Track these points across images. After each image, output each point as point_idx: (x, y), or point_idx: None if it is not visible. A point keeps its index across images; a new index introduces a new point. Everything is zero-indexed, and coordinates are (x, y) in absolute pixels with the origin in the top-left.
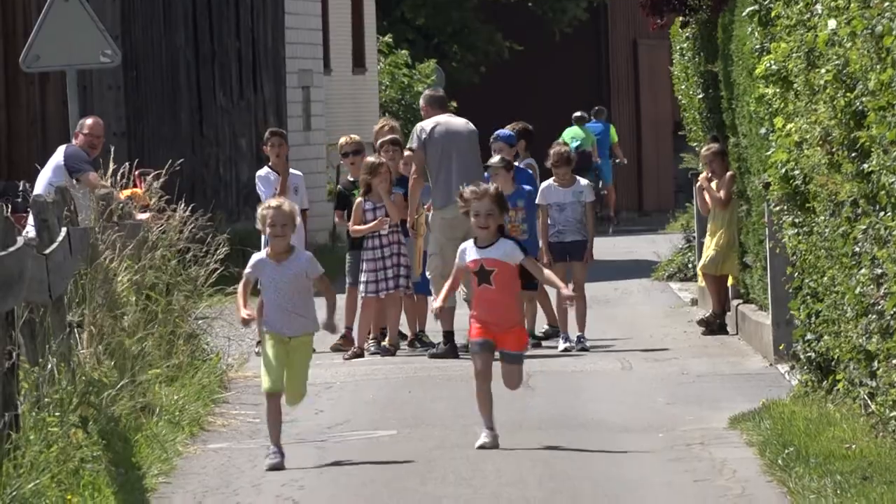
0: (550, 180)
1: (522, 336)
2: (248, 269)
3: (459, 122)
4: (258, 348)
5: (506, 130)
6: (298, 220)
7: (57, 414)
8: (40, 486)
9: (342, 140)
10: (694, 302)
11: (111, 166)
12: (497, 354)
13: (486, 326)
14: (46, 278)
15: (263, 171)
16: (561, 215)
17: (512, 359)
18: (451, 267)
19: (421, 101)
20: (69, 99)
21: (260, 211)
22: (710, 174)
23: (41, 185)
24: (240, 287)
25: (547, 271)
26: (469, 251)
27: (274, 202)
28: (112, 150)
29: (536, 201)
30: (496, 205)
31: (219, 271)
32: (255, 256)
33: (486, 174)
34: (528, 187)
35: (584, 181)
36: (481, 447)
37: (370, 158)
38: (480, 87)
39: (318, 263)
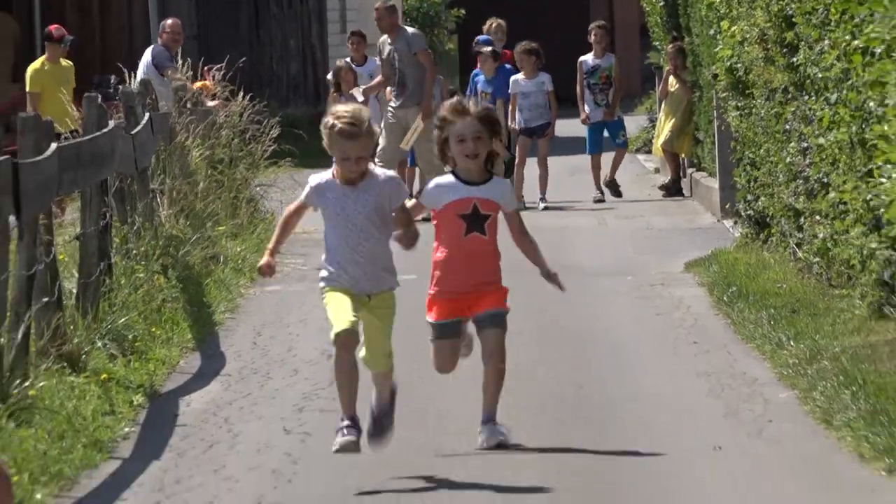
0: (519, 74)
1: (503, 292)
2: (304, 194)
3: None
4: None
5: (485, 35)
6: (378, 129)
7: (142, 263)
8: (130, 320)
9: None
10: (656, 170)
11: (186, 64)
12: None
13: (458, 296)
14: (133, 154)
15: (342, 62)
16: (525, 101)
17: (497, 320)
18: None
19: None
20: (150, 8)
21: (326, 119)
22: (672, 67)
23: (137, 78)
24: (284, 213)
25: (534, 243)
26: (451, 188)
27: (341, 107)
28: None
29: (509, 91)
30: (485, 126)
31: (272, 147)
32: (316, 178)
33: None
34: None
35: (545, 74)
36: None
37: (338, 62)
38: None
39: (405, 186)
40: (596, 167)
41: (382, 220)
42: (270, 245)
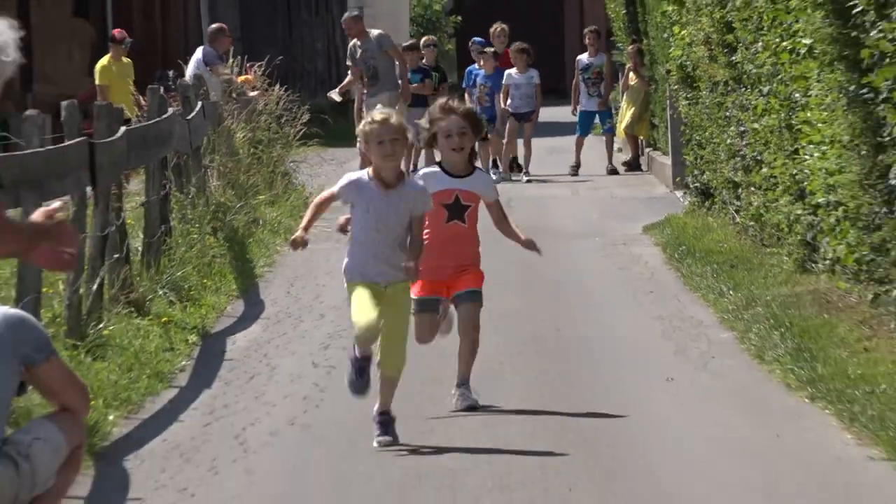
0: (513, 69)
1: (480, 274)
2: (338, 186)
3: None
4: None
5: (479, 38)
6: (410, 135)
7: (196, 226)
8: (185, 273)
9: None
10: (619, 150)
11: (234, 60)
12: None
13: (438, 276)
14: (188, 135)
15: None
16: (517, 92)
17: (473, 296)
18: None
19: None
20: (202, 14)
21: (361, 127)
22: (632, 64)
23: (188, 74)
24: (316, 199)
25: (511, 225)
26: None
27: (379, 114)
28: (231, 49)
29: (503, 82)
30: (469, 122)
31: (302, 130)
32: (352, 175)
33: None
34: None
35: (534, 70)
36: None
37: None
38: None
39: (429, 197)
40: (579, 146)
41: (405, 224)
42: (303, 223)
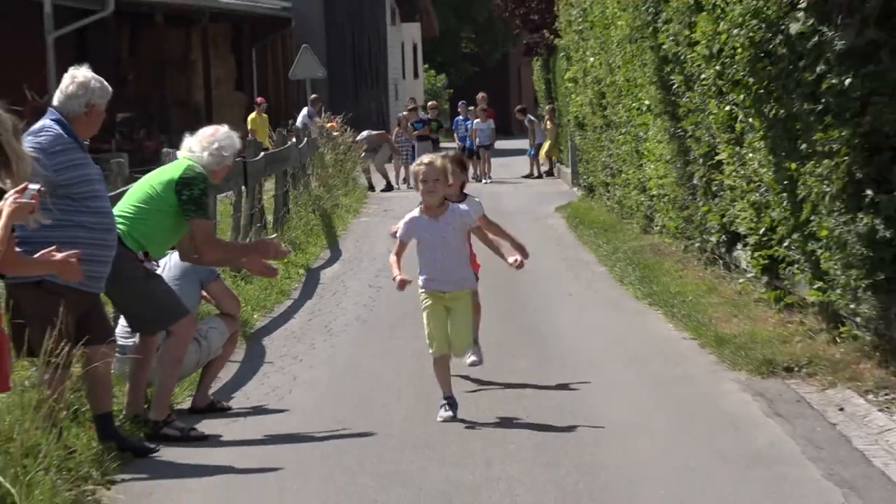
0: (478, 119)
1: (473, 292)
2: (400, 231)
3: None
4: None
5: (464, 101)
6: (451, 177)
7: (303, 208)
8: (297, 235)
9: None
10: (543, 165)
11: (324, 114)
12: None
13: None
14: (299, 157)
15: (401, 114)
16: (482, 134)
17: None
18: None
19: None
20: (306, 90)
21: (413, 167)
22: (549, 116)
23: (299, 122)
24: (393, 252)
25: (493, 237)
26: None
27: (426, 159)
28: (322, 108)
29: (472, 127)
30: (442, 172)
31: (363, 153)
32: (408, 216)
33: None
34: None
35: (491, 120)
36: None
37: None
38: (463, 87)
39: (476, 208)
40: (532, 163)
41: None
42: (394, 268)
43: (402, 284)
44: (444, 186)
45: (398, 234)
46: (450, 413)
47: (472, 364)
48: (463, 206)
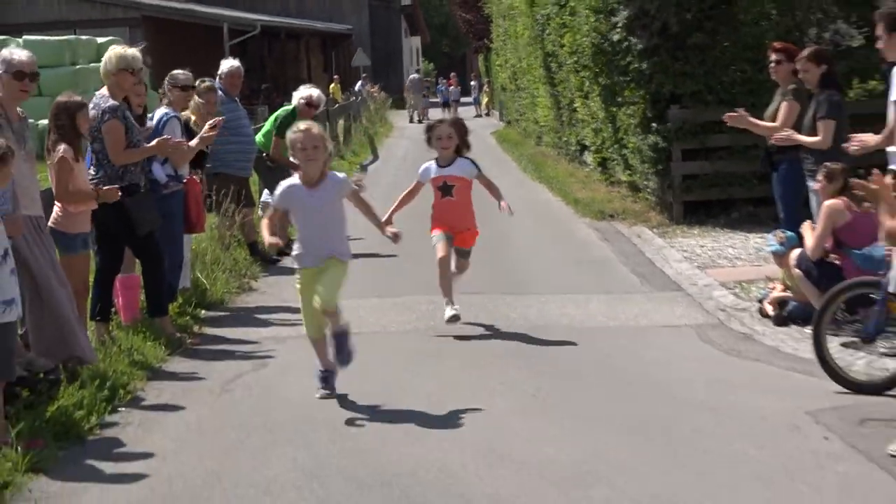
0: (451, 86)
1: (472, 236)
2: (275, 200)
3: None
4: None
5: (442, 77)
6: (330, 145)
7: (358, 132)
8: (355, 147)
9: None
10: (484, 110)
11: (369, 84)
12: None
13: (445, 226)
14: (358, 108)
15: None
16: (454, 93)
17: (463, 254)
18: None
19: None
20: (360, 71)
21: (288, 135)
22: (487, 86)
23: (357, 88)
24: (265, 218)
25: (496, 187)
26: (431, 170)
27: (302, 125)
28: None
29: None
30: (454, 129)
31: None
32: (284, 183)
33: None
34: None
35: (458, 88)
36: (451, 319)
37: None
38: (444, 69)
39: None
40: (477, 108)
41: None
42: (265, 232)
43: (273, 245)
44: (324, 154)
45: (272, 202)
46: (326, 391)
47: (453, 319)
48: (340, 175)
